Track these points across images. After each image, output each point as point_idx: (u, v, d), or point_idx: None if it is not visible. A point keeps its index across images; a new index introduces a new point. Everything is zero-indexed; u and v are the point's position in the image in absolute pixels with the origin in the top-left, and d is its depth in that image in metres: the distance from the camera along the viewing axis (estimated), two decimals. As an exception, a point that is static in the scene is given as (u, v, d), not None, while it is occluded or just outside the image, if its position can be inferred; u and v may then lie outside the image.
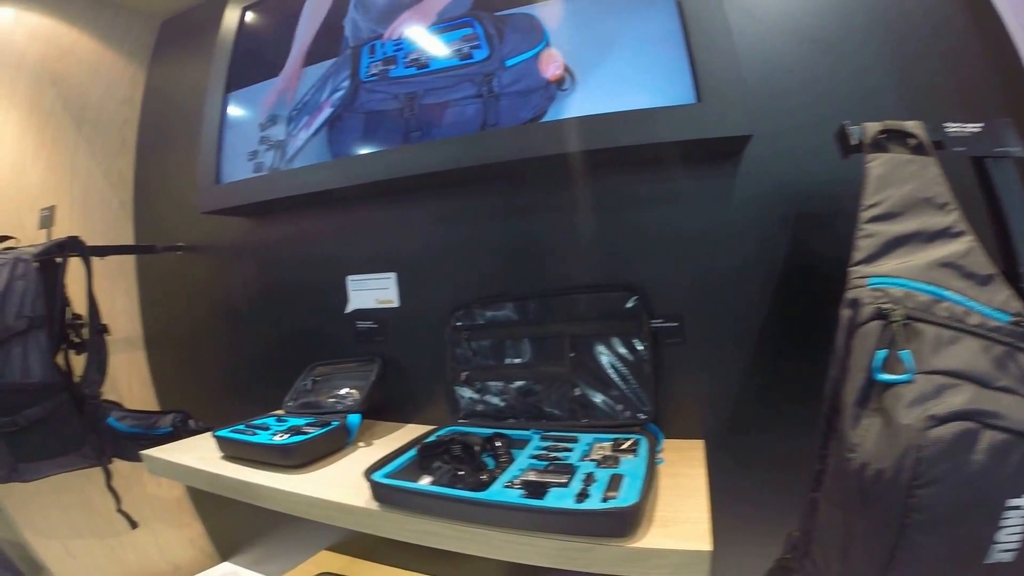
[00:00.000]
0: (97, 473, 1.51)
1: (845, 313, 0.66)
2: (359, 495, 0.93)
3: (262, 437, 1.16)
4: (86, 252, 1.41)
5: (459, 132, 1.17)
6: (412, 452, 1.01)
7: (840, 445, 0.61)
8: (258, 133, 1.46)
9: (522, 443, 1.04)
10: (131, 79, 1.97)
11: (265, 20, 1.54)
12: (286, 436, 1.15)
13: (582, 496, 0.77)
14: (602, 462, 0.89)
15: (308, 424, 1.22)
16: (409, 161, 1.20)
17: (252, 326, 1.69)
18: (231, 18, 1.56)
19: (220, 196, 1.48)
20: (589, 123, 1.02)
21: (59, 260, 1.37)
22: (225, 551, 2.02)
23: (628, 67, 1.04)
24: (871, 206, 0.70)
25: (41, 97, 1.74)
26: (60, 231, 1.55)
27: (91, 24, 1.86)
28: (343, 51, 1.36)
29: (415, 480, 0.90)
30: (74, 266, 1.44)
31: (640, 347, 1.07)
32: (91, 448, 1.41)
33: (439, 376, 1.30)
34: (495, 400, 1.19)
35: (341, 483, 1.01)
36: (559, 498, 0.77)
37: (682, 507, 0.79)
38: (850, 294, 0.66)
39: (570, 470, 0.86)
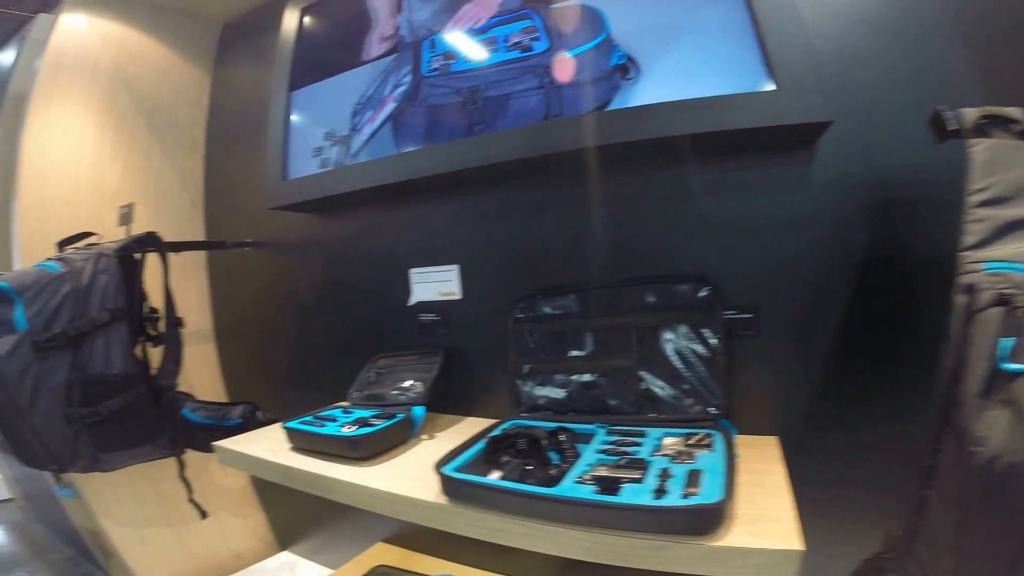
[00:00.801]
0: (168, 463, 1.57)
1: (960, 299, 0.61)
2: (426, 489, 0.93)
3: (330, 428, 1.18)
4: (163, 248, 1.48)
5: (522, 123, 1.17)
6: (478, 446, 1.00)
7: (961, 439, 0.57)
8: (323, 129, 1.50)
9: (586, 437, 1.02)
10: (197, 82, 2.05)
11: (324, 20, 1.58)
12: (353, 428, 1.17)
13: (660, 492, 0.75)
14: (676, 457, 0.87)
15: (374, 416, 1.24)
16: (475, 153, 1.20)
17: (316, 319, 1.73)
18: (291, 19, 1.61)
19: (287, 192, 1.52)
20: (662, 110, 1.00)
21: (137, 256, 1.44)
22: (284, 540, 2.09)
23: (693, 57, 1.02)
24: (979, 190, 0.66)
25: (116, 100, 1.83)
26: (137, 229, 1.64)
27: (157, 29, 1.94)
28: (402, 47, 1.38)
29: (483, 474, 0.89)
30: (150, 261, 1.51)
31: (712, 339, 1.04)
32: (166, 439, 1.48)
33: (500, 368, 1.30)
34: (557, 393, 1.18)
35: (407, 476, 1.01)
36: (635, 494, 0.75)
37: (764, 505, 0.76)
38: (964, 279, 0.62)
39: (642, 465, 0.84)
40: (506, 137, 1.17)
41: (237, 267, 1.94)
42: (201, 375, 1.98)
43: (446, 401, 1.43)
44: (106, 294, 1.33)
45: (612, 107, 1.07)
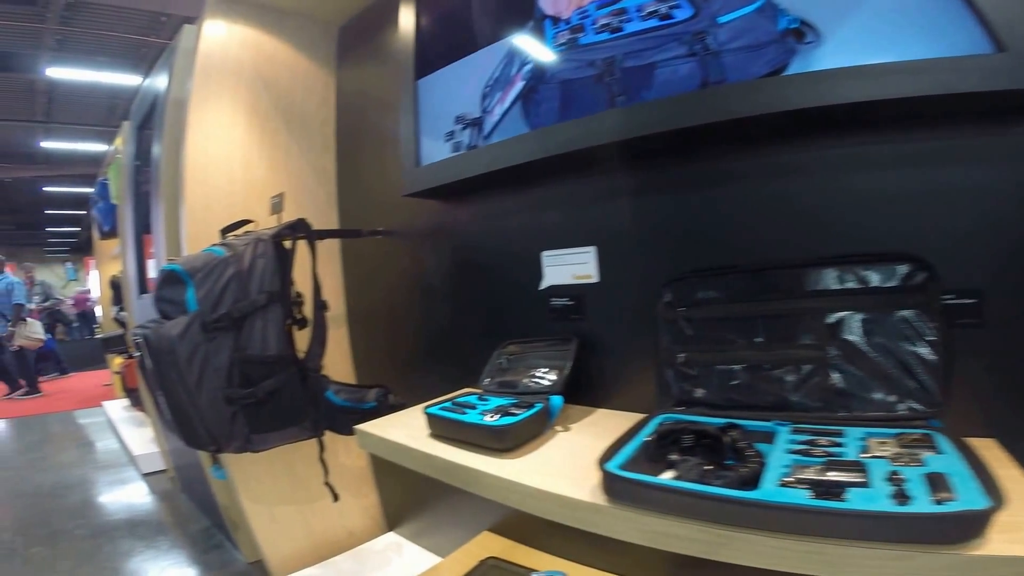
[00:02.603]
0: (302, 444, 1.63)
1: None
2: (575, 486, 0.87)
3: (472, 416, 1.15)
4: (311, 234, 1.54)
5: (673, 92, 1.09)
6: (636, 442, 0.92)
7: None
8: (453, 114, 1.50)
9: (762, 436, 0.91)
10: (324, 82, 2.15)
11: (441, 8, 1.59)
12: (495, 416, 1.13)
13: (901, 498, 0.63)
14: (895, 460, 0.74)
15: (512, 405, 1.19)
16: (620, 125, 1.13)
17: (443, 304, 1.75)
18: (407, 11, 1.64)
19: (422, 177, 1.54)
20: (862, 73, 0.88)
21: (287, 243, 1.50)
22: (391, 521, 2.15)
23: (880, 20, 0.92)
24: None
25: (258, 100, 1.96)
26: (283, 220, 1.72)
27: (285, 32, 2.05)
28: (527, 24, 1.35)
29: (650, 473, 0.80)
30: (299, 248, 1.57)
31: (927, 329, 0.89)
32: (311, 421, 1.53)
33: (639, 357, 1.22)
34: (719, 386, 1.06)
35: (551, 471, 0.96)
36: (867, 500, 0.65)
37: (1017, 510, 0.63)
38: None
39: (859, 468, 0.72)
40: (657, 107, 1.09)
41: (368, 254, 2.03)
42: (333, 358, 2.07)
43: (575, 391, 1.36)
44: (264, 278, 1.39)
45: (791, 71, 0.97)
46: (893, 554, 0.60)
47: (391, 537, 2.12)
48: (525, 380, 1.29)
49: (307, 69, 2.10)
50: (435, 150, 1.53)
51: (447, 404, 1.25)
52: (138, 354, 1.36)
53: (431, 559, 1.88)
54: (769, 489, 0.70)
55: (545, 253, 1.43)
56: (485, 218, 1.59)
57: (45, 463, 3.96)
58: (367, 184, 2.02)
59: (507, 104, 1.37)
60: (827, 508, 0.64)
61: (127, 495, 3.25)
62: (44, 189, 13.41)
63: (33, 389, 6.98)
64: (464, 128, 1.46)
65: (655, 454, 0.88)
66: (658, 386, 1.14)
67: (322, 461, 1.64)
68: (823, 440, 0.85)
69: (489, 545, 1.60)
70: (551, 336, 1.38)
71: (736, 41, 1.03)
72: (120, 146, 3.12)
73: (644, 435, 0.93)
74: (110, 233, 3.98)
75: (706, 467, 0.80)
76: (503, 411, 1.15)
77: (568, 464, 0.95)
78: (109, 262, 5.04)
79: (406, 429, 1.27)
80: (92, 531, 2.72)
